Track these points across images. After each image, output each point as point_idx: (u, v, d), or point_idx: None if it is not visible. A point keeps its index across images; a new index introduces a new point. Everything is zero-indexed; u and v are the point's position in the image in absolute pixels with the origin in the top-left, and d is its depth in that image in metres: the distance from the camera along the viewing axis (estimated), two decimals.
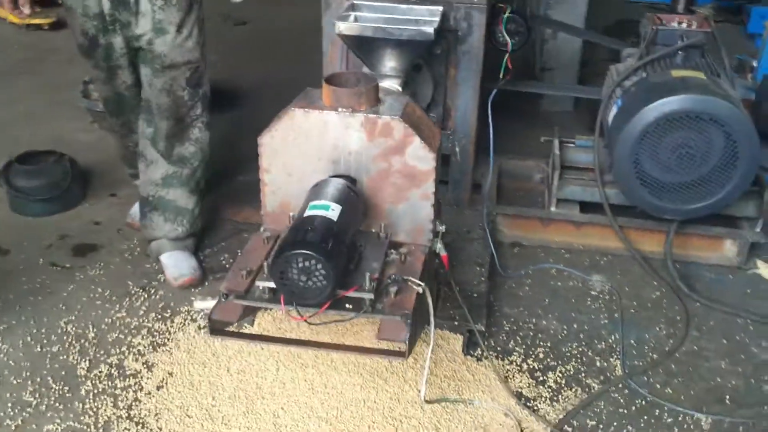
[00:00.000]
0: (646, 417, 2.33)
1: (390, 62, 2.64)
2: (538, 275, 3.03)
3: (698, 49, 3.01)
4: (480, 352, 2.52)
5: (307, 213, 1.81)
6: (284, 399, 2.28)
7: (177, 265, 2.88)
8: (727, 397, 2.43)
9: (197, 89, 2.75)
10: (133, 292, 2.84)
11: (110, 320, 2.69)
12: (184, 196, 2.89)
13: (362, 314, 1.81)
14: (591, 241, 3.20)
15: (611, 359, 2.57)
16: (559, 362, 2.54)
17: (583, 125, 4.15)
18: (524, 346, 2.61)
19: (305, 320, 1.80)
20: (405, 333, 1.80)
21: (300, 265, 1.68)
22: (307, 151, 2.06)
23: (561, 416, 2.32)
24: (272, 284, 1.82)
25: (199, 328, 2.64)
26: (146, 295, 2.82)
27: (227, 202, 3.46)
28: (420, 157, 2.01)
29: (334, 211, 1.83)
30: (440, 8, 2.73)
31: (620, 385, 2.45)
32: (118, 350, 2.54)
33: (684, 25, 3.06)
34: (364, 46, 2.63)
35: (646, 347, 2.64)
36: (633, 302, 2.88)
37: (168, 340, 2.59)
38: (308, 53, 3.77)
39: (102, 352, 2.53)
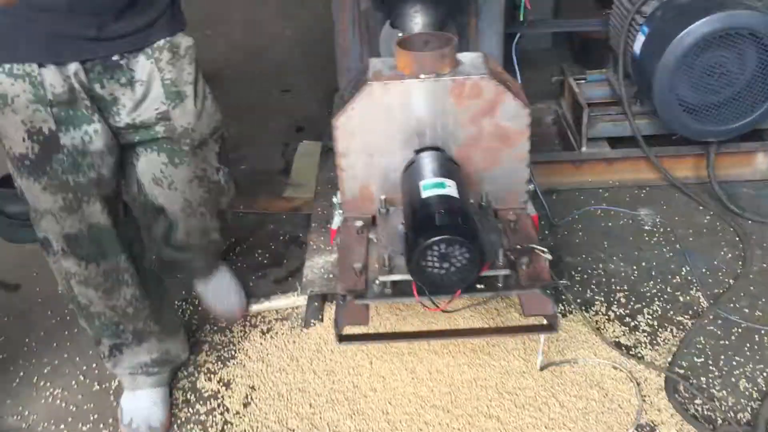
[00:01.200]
0: (748, 344, 2.30)
1: (422, 17, 2.45)
2: (585, 219, 2.95)
3: None
4: (565, 308, 2.43)
5: (425, 194, 1.64)
6: (389, 393, 2.14)
7: (218, 297, 2.48)
8: None
9: (228, 164, 2.07)
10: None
11: None
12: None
13: (502, 292, 1.67)
14: (625, 176, 3.14)
15: (691, 291, 2.53)
16: (643, 304, 2.48)
17: (563, 61, 4.05)
18: (603, 294, 2.54)
19: (442, 310, 1.65)
20: (552, 305, 1.68)
21: (443, 251, 1.52)
22: (389, 127, 1.88)
23: (668, 359, 2.26)
24: (400, 277, 1.66)
25: (263, 332, 2.45)
26: (191, 307, 2.60)
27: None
28: (513, 115, 1.86)
29: (451, 188, 1.67)
30: None
31: (711, 317, 2.41)
32: (185, 372, 2.33)
33: None
34: (399, 4, 2.43)
35: (720, 273, 2.61)
36: (688, 230, 2.84)
37: (235, 351, 2.39)
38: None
39: None
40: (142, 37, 1.71)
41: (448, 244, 1.52)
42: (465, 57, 1.91)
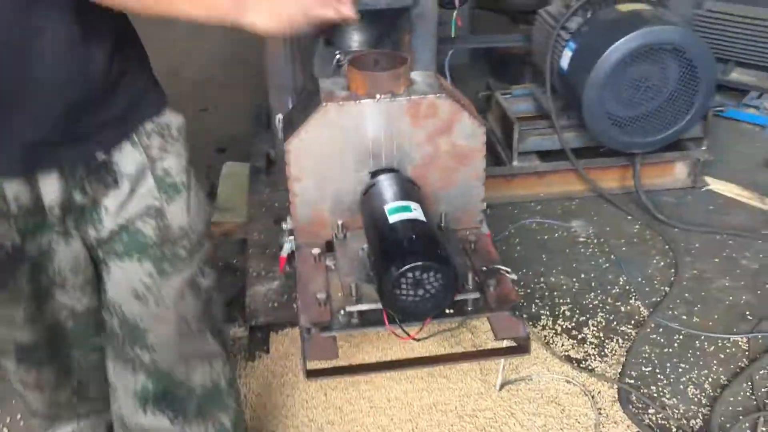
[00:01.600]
0: (690, 351, 2.36)
1: (360, 36, 2.40)
2: (521, 232, 2.98)
3: None
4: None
5: (392, 219, 1.58)
6: (347, 425, 2.06)
7: None
8: (747, 312, 2.52)
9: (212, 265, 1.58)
10: None
11: None
12: None
13: (472, 316, 1.63)
14: (555, 188, 3.20)
15: (631, 301, 2.58)
16: (588, 316, 2.51)
17: (482, 75, 4.12)
18: (547, 308, 2.55)
19: (414, 338, 1.58)
20: (523, 326, 1.65)
21: (418, 278, 1.46)
22: (343, 150, 1.80)
23: (618, 370, 2.28)
24: (369, 306, 1.58)
25: None
26: None
27: None
28: (469, 133, 1.83)
29: (417, 211, 1.62)
30: None
31: (653, 325, 2.46)
32: None
33: None
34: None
35: (654, 282, 2.68)
36: (620, 240, 2.91)
37: None
38: None
39: None
40: (126, 122, 1.34)
41: (423, 270, 1.46)
42: (417, 76, 1.87)
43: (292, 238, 1.96)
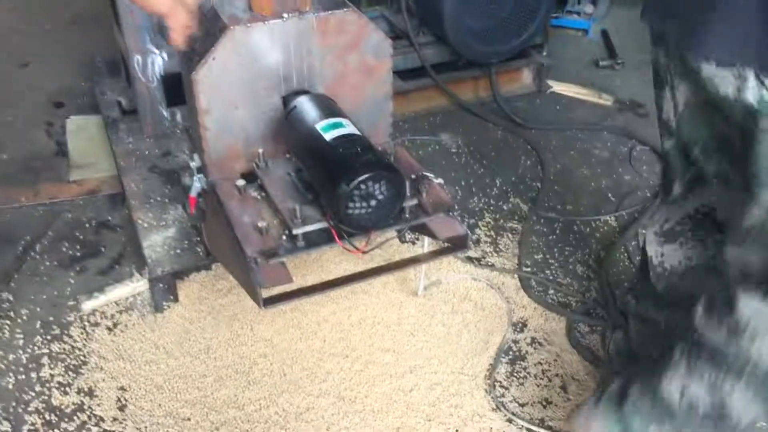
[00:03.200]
0: (570, 235, 2.60)
1: None
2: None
3: None
4: (414, 235, 2.51)
5: (328, 136, 1.57)
6: (282, 354, 2.06)
7: None
8: (609, 194, 2.80)
9: None
10: None
11: None
12: None
13: (413, 222, 1.68)
14: (419, 106, 3.30)
15: (510, 199, 2.77)
16: (476, 218, 2.66)
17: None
18: None
19: (363, 251, 1.61)
20: (460, 225, 1.73)
21: (369, 190, 1.48)
22: (253, 75, 1.75)
23: (515, 262, 2.46)
24: (316, 226, 1.58)
25: (110, 328, 2.19)
26: (9, 322, 2.22)
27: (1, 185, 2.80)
28: (377, 48, 1.85)
29: (351, 126, 1.62)
30: None
31: (534, 218, 2.66)
32: (32, 394, 2.00)
33: None
34: None
35: (526, 179, 2.89)
36: (488, 147, 3.08)
37: (84, 356, 2.10)
38: None
39: (13, 404, 1.97)
40: None
41: (375, 181, 1.49)
42: None
43: (201, 176, 1.89)
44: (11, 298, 2.28)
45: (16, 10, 4.22)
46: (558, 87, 3.49)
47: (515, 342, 2.16)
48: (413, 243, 2.47)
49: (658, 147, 3.00)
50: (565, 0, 4.03)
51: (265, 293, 1.60)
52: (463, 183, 2.85)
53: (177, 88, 2.58)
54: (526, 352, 2.13)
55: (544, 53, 3.43)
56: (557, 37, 3.93)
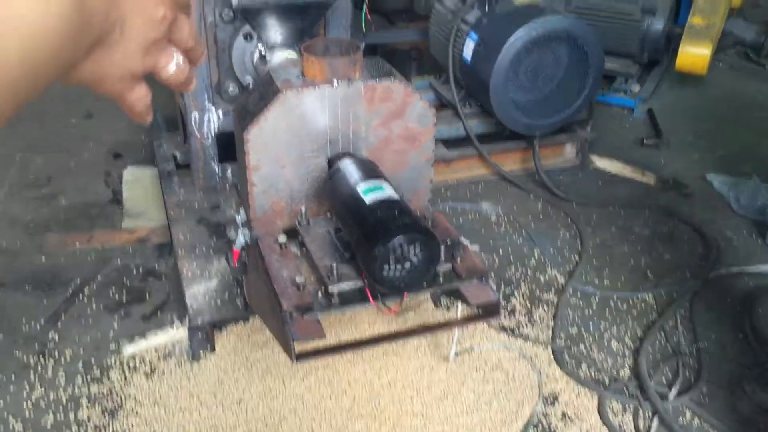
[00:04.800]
0: (607, 310, 2.59)
1: (285, 31, 2.43)
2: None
3: None
4: (450, 300, 2.54)
5: (368, 198, 1.64)
6: (311, 411, 2.08)
7: None
8: (648, 273, 2.78)
9: None
10: (31, 362, 2.29)
11: (30, 402, 2.14)
12: None
13: (445, 286, 1.72)
14: (461, 174, 3.36)
15: (548, 271, 2.78)
16: (513, 287, 2.67)
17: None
18: None
19: (395, 312, 1.65)
20: (493, 292, 1.76)
21: (404, 251, 1.52)
22: (301, 136, 1.84)
23: (549, 334, 2.46)
24: (351, 285, 1.63)
25: (148, 374, 2.25)
26: (53, 361, 2.30)
27: (57, 230, 2.93)
28: (421, 116, 1.92)
29: (390, 189, 1.68)
30: None
31: (571, 291, 2.66)
32: None
33: None
34: (260, 17, 2.37)
35: (565, 252, 2.90)
36: (528, 217, 3.11)
37: (121, 400, 2.16)
38: None
39: None
40: None
41: (410, 243, 1.53)
42: (365, 61, 1.93)
43: (246, 230, 1.96)
44: (57, 338, 2.37)
45: None
46: (601, 162, 3.52)
47: (545, 415, 2.14)
48: (447, 308, 2.49)
49: (701, 227, 3.00)
50: (612, 78, 4.10)
51: (298, 348, 1.64)
52: (501, 252, 2.87)
53: (229, 146, 2.70)
54: (556, 426, 2.11)
55: (589, 128, 3.48)
56: (603, 113, 3.98)
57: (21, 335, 2.39)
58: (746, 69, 4.65)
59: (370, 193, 1.66)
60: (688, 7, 4.03)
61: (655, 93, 4.19)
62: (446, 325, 1.83)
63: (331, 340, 2.21)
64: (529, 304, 2.60)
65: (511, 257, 2.85)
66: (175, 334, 2.38)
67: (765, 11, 4.69)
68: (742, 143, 3.75)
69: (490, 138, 3.35)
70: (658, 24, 3.82)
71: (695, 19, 3.84)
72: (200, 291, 2.36)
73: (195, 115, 2.74)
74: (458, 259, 1.77)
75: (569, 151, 3.50)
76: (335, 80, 1.80)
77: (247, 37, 2.58)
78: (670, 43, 4.06)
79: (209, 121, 2.77)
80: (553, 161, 3.47)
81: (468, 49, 3.07)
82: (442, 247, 1.69)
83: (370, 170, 1.77)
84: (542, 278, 2.74)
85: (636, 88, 4.02)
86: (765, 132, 3.85)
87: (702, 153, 3.65)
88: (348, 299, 1.68)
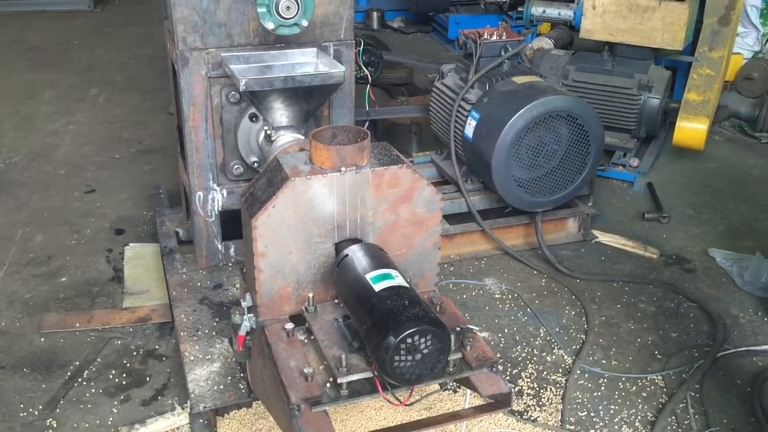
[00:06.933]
0: (616, 392, 2.54)
1: (291, 112, 2.46)
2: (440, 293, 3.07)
3: (517, 56, 3.32)
4: (454, 384, 2.49)
5: (377, 287, 1.62)
6: None
7: None
8: (656, 352, 2.75)
9: None
10: None
11: None
12: None
13: (456, 376, 1.68)
14: (463, 249, 3.35)
15: (554, 350, 2.74)
16: (519, 369, 2.63)
17: None
18: None
19: (406, 404, 1.61)
20: (504, 382, 1.72)
21: (415, 343, 1.50)
22: (308, 223, 1.83)
23: (558, 418, 2.41)
24: (361, 376, 1.60)
25: None
26: None
27: (56, 309, 2.90)
28: (428, 201, 1.93)
29: (399, 278, 1.67)
30: (314, 49, 2.61)
31: (578, 372, 2.62)
32: None
33: (495, 37, 3.33)
34: (266, 100, 2.40)
35: (571, 330, 2.87)
36: (532, 294, 3.09)
37: None
38: None
39: None
40: None
41: (421, 335, 1.51)
42: (372, 147, 1.95)
43: (251, 315, 1.94)
44: (55, 425, 2.31)
45: (90, 143, 4.50)
46: (603, 237, 3.52)
47: None
48: (455, 391, 2.44)
49: (706, 304, 2.98)
50: (610, 152, 4.14)
51: None
52: (506, 330, 2.84)
53: (232, 223, 2.70)
54: None
55: (590, 204, 3.50)
56: (603, 187, 4.01)
57: (18, 421, 2.33)
58: (741, 142, 4.71)
59: (379, 281, 1.65)
60: (684, 83, 4.11)
61: (653, 167, 4.23)
62: (457, 417, 1.79)
63: (338, 428, 2.16)
64: (536, 386, 2.55)
65: (517, 336, 2.81)
66: (176, 420, 2.32)
67: (757, 84, 4.79)
68: (742, 218, 3.76)
69: (491, 213, 3.36)
70: (654, 99, 3.88)
71: (691, 95, 3.91)
72: (202, 375, 2.32)
73: (199, 194, 2.75)
74: (468, 348, 1.74)
75: (571, 226, 3.51)
76: (343, 167, 1.81)
77: (253, 118, 2.61)
78: (667, 117, 4.12)
79: (213, 200, 2.78)
80: (555, 236, 3.47)
81: (469, 128, 3.10)
82: (452, 336, 1.66)
83: (379, 257, 1.76)
84: (549, 358, 2.70)
85: (634, 162, 4.06)
86: (764, 207, 3.87)
87: (703, 227, 3.66)
88: (357, 390, 1.64)
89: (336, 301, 1.89)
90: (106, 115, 4.92)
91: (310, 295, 1.85)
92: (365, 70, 3.09)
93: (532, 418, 2.40)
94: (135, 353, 2.67)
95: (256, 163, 2.70)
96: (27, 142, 4.45)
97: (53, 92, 5.29)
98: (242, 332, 1.98)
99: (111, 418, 2.34)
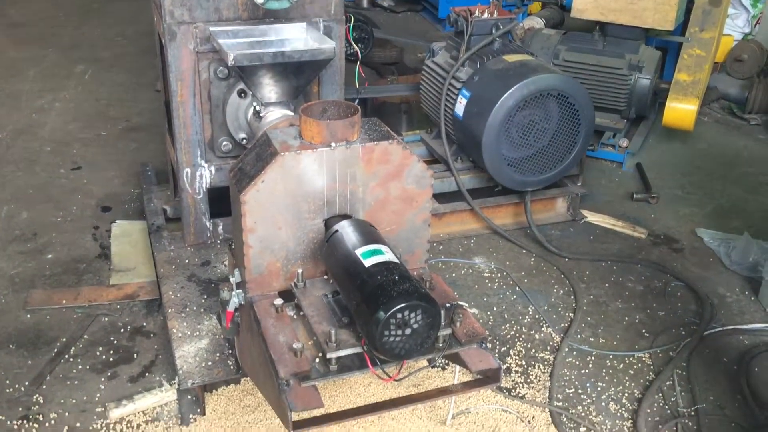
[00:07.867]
0: (603, 369, 2.55)
1: (280, 88, 2.43)
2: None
3: (509, 34, 3.30)
4: (443, 360, 2.49)
5: (367, 263, 1.61)
6: None
7: None
8: (644, 330, 2.76)
9: None
10: (14, 427, 2.21)
11: None
12: None
13: (445, 351, 1.68)
14: (453, 228, 3.35)
15: (543, 328, 2.75)
16: (508, 346, 2.64)
17: None
18: None
19: (395, 379, 1.61)
20: (494, 358, 1.72)
21: (405, 318, 1.49)
22: (298, 198, 1.82)
23: (546, 395, 2.42)
24: (350, 351, 1.59)
25: None
26: (37, 425, 2.22)
27: (42, 286, 2.87)
28: (419, 178, 1.91)
29: (389, 253, 1.66)
30: (303, 24, 2.58)
31: (567, 350, 2.63)
32: None
33: (487, 15, 3.30)
34: (255, 75, 2.37)
35: (559, 309, 2.88)
36: (521, 273, 3.09)
37: None
38: None
39: None
40: None
41: (411, 310, 1.51)
42: (363, 122, 1.93)
43: (240, 291, 1.93)
44: (41, 401, 2.30)
45: (76, 121, 4.45)
46: (592, 217, 3.53)
47: None
48: (443, 368, 2.45)
49: (693, 284, 3.00)
50: (600, 132, 4.14)
51: (295, 416, 1.59)
52: (495, 308, 2.85)
53: (220, 201, 2.68)
54: None
55: (579, 184, 3.50)
56: (592, 167, 4.01)
57: (4, 398, 2.31)
58: (731, 123, 4.72)
59: (369, 257, 1.64)
60: (674, 63, 4.10)
61: (643, 147, 4.23)
62: (446, 392, 1.79)
63: (327, 403, 2.16)
64: (525, 364, 2.56)
65: (506, 314, 2.82)
66: (164, 396, 2.31)
67: (746, 65, 4.79)
68: (731, 199, 3.78)
69: (481, 192, 3.35)
70: (645, 79, 3.87)
71: (681, 75, 3.91)
72: (190, 352, 2.31)
73: (187, 171, 2.72)
74: (458, 324, 1.74)
75: (560, 205, 3.51)
76: (333, 142, 1.79)
77: (242, 94, 2.58)
78: (657, 98, 4.12)
79: (201, 176, 2.75)
80: (544, 216, 3.47)
81: (460, 106, 3.09)
82: (442, 312, 1.65)
83: (369, 233, 1.75)
84: (537, 336, 2.71)
85: (624, 142, 4.06)
86: (752, 188, 3.89)
87: (691, 207, 3.67)
88: (346, 366, 1.64)
89: (325, 277, 1.88)
90: (92, 92, 4.86)
91: (300, 270, 1.84)
92: (355, 46, 3.06)
93: (520, 395, 2.41)
94: (122, 330, 2.65)
95: (244, 140, 2.67)
96: (12, 120, 4.39)
97: (38, 69, 5.21)
98: (231, 308, 1.97)
99: (98, 395, 2.33)
